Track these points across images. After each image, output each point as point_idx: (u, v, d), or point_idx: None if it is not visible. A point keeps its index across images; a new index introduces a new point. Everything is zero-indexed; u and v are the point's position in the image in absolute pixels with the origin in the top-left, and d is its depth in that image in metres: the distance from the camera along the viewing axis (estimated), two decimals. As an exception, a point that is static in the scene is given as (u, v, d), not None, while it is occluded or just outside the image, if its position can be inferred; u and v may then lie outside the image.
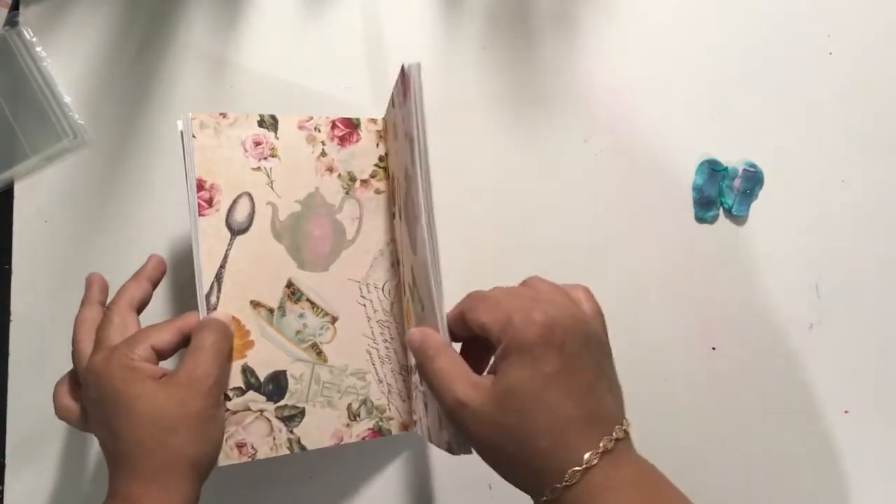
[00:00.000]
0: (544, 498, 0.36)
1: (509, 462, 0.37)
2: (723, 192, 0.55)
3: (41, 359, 0.55)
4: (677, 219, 0.55)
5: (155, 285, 0.47)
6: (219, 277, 0.46)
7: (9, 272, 0.56)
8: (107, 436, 0.42)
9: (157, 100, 0.56)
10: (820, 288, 0.55)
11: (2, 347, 0.55)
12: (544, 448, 0.35)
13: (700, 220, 0.55)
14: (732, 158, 0.55)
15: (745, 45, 0.56)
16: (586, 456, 0.35)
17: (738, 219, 0.55)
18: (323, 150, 0.49)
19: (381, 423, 0.49)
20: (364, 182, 0.50)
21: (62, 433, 0.55)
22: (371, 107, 0.56)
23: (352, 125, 0.50)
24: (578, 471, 0.35)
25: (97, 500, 0.56)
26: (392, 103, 0.48)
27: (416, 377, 0.49)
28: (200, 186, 0.46)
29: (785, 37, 0.56)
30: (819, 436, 0.55)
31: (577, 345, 0.36)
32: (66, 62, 0.56)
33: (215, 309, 0.46)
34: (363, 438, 0.49)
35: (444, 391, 0.38)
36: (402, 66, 0.42)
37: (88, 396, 0.43)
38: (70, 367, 0.45)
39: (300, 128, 0.49)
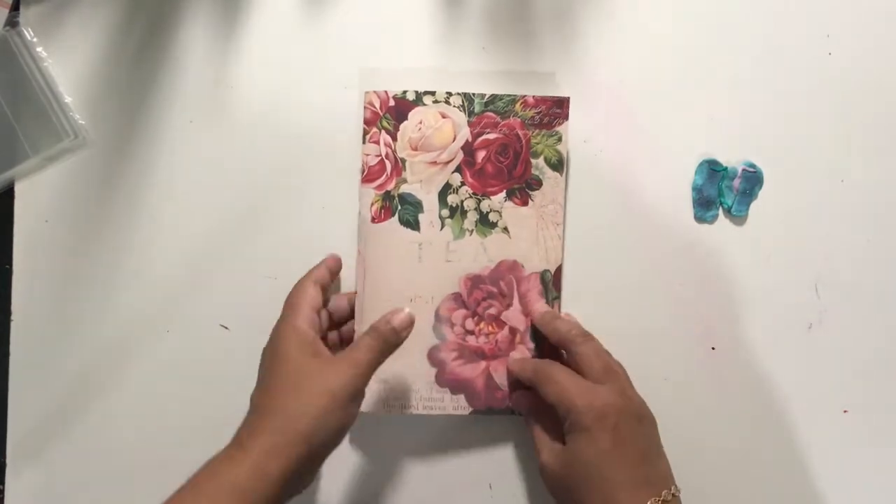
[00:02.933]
0: None
1: None
2: (722, 192, 0.55)
3: (41, 359, 0.55)
4: (677, 219, 0.55)
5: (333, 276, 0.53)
6: None
7: (9, 272, 0.56)
8: (257, 383, 0.47)
9: (158, 100, 0.56)
10: (820, 288, 0.55)
11: (2, 347, 0.55)
12: None
13: (700, 220, 0.55)
14: (732, 158, 0.55)
15: (745, 45, 0.56)
16: None
17: (738, 219, 0.55)
18: None
19: None
20: None
21: (63, 433, 0.55)
22: (371, 107, 0.56)
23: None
24: None
25: (97, 499, 0.56)
26: None
27: None
28: None
29: (785, 37, 0.56)
30: (819, 435, 0.55)
31: (630, 423, 0.45)
32: (66, 62, 0.56)
33: None
34: None
35: (536, 453, 0.49)
36: None
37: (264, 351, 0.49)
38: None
39: None
